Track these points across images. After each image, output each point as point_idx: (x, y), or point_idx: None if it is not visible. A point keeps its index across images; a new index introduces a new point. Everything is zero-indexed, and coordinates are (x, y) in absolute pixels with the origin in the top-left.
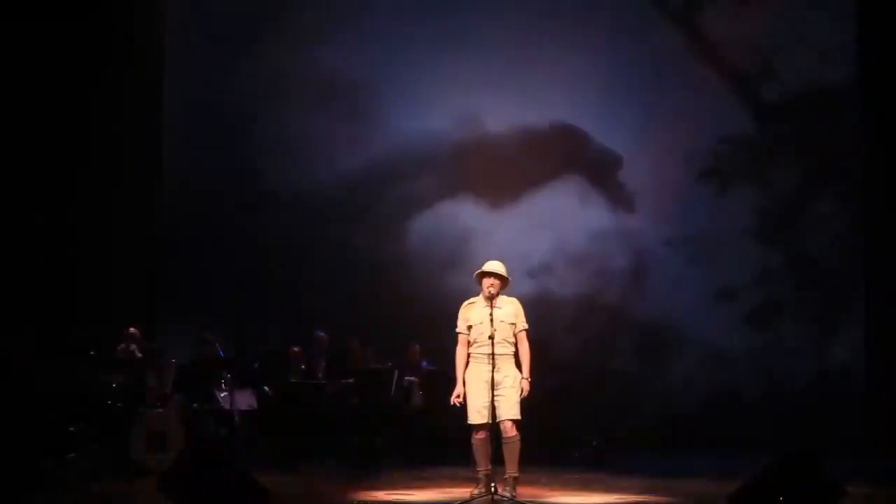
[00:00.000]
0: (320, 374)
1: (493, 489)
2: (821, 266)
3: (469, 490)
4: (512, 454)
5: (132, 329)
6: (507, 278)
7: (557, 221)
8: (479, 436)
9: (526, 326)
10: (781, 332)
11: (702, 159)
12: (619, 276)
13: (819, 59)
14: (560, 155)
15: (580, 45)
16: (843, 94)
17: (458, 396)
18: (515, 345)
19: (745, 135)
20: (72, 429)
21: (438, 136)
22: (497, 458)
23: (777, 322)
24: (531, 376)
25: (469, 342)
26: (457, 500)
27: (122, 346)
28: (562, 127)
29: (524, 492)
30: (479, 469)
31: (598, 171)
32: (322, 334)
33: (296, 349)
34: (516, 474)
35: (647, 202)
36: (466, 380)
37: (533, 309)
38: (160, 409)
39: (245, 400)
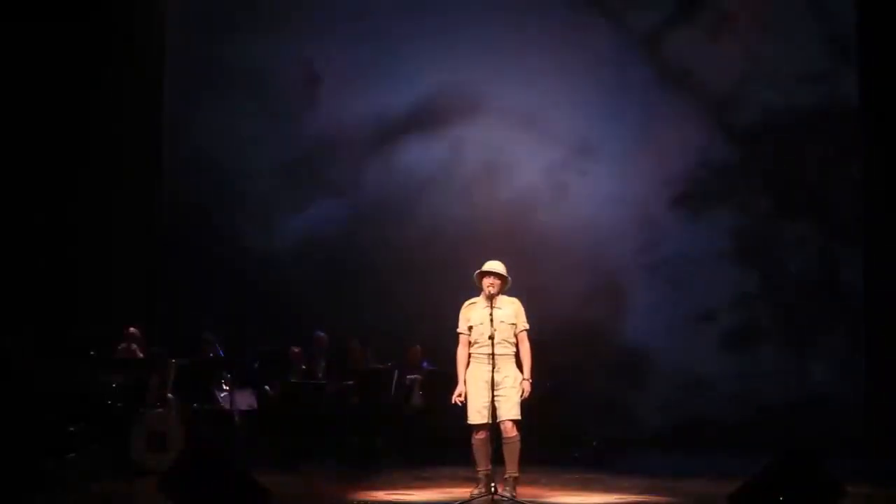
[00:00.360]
0: (320, 375)
1: (493, 489)
2: (798, 289)
3: (469, 490)
4: (512, 454)
5: (132, 329)
6: (507, 277)
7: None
8: (479, 436)
9: (527, 327)
10: (759, 355)
11: (678, 183)
12: (595, 299)
13: (793, 83)
14: (537, 174)
15: (556, 71)
16: (817, 117)
17: (460, 395)
18: (516, 345)
19: (721, 159)
20: (72, 429)
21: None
22: (497, 458)
23: (754, 345)
24: (532, 377)
25: (470, 342)
26: (457, 500)
27: (123, 345)
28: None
29: (524, 492)
30: (479, 469)
31: (577, 193)
32: (322, 334)
33: (296, 350)
34: (516, 474)
35: (623, 226)
36: (467, 380)
37: None
38: (160, 409)
39: (245, 400)
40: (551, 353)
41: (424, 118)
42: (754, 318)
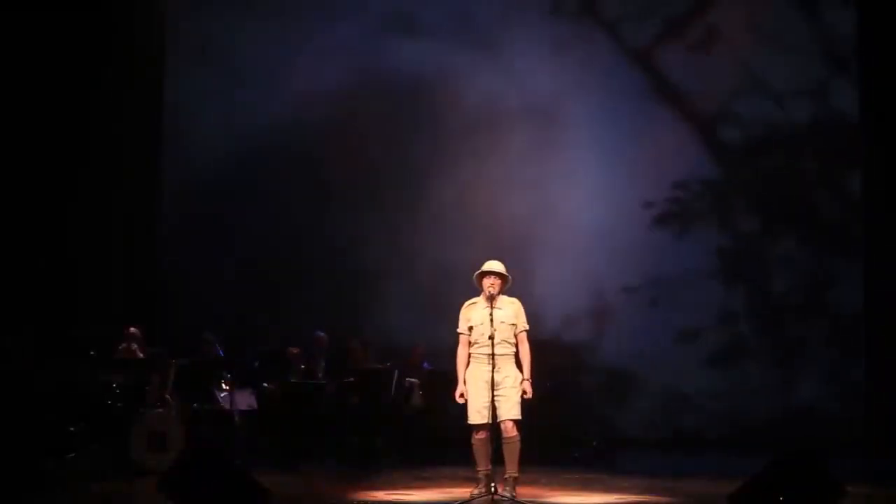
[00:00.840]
0: (320, 374)
1: (493, 489)
2: (783, 306)
3: (469, 490)
4: (512, 454)
5: (132, 329)
6: (508, 276)
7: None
8: (480, 436)
9: (527, 327)
10: (744, 373)
11: (662, 202)
12: (581, 319)
13: (777, 101)
14: (522, 191)
15: (544, 85)
16: (801, 135)
17: (462, 395)
18: (516, 345)
19: (705, 177)
20: (72, 429)
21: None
22: (497, 458)
23: (740, 363)
24: (532, 377)
25: (470, 342)
26: (457, 500)
27: (123, 345)
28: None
29: (524, 492)
30: (479, 469)
31: (561, 211)
32: (322, 334)
33: (294, 350)
34: (516, 474)
35: (607, 245)
36: (467, 380)
37: None
38: (160, 409)
39: (245, 400)
40: (551, 353)
41: (417, 123)
42: (738, 335)
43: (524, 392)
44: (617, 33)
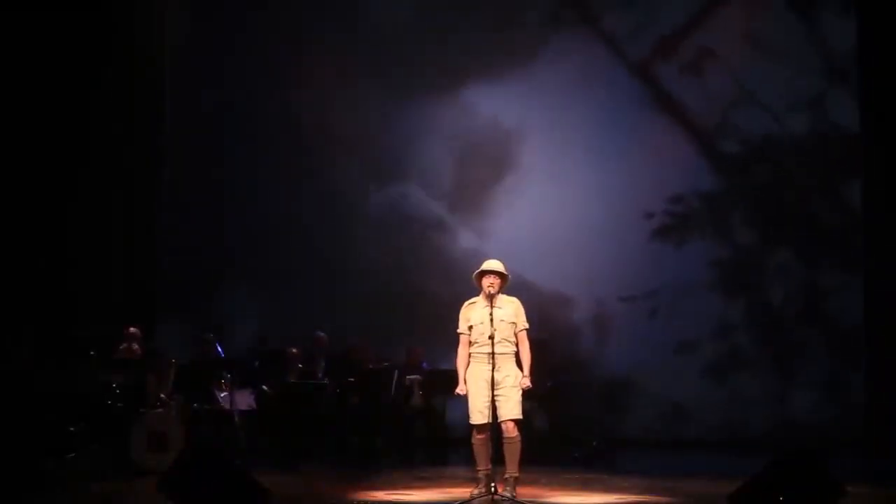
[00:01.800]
0: (320, 374)
1: (493, 489)
2: (782, 317)
3: (469, 490)
4: (512, 454)
5: (132, 329)
6: (507, 276)
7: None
8: (480, 436)
9: (526, 326)
10: (743, 383)
11: (661, 213)
12: (581, 329)
13: (776, 112)
14: (520, 205)
15: (542, 97)
16: (800, 146)
17: (462, 389)
18: (516, 344)
19: (704, 188)
20: (72, 429)
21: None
22: (497, 458)
23: (739, 373)
24: (532, 376)
25: (470, 342)
26: (457, 500)
27: (124, 345)
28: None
29: (524, 492)
30: (479, 469)
31: (560, 223)
32: (322, 334)
33: (294, 350)
34: (516, 474)
35: (607, 255)
36: (467, 379)
37: None
38: (160, 409)
39: (245, 400)
40: (551, 353)
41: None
42: (736, 345)
43: (525, 385)
44: (616, 45)
